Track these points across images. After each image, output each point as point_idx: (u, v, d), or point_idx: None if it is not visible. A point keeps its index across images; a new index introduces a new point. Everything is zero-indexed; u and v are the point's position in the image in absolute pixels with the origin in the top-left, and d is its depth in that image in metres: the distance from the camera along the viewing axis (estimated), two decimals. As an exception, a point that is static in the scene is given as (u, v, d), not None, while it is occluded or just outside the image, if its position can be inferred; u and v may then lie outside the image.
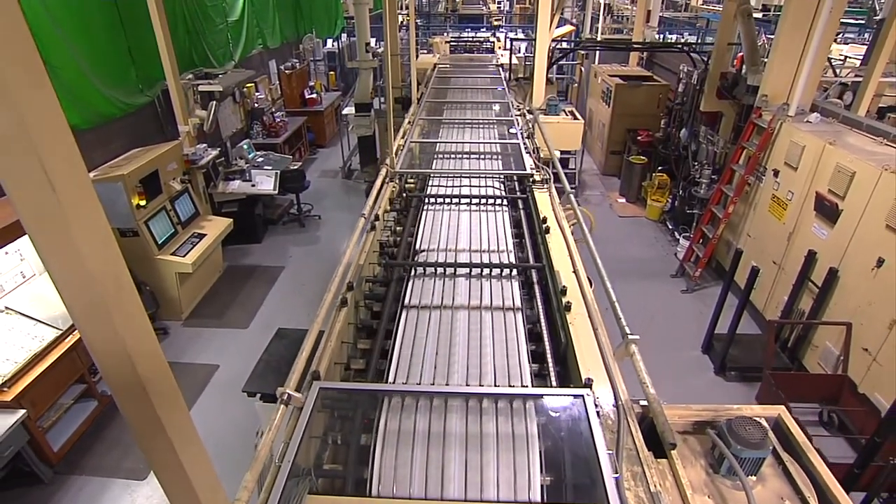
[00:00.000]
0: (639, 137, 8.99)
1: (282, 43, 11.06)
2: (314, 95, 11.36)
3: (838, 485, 1.58)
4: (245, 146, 7.85)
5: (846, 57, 8.78)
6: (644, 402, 1.91)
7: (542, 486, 1.71)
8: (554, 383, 2.18)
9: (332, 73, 13.98)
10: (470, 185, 3.92)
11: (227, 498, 1.31)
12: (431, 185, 3.96)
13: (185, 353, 5.38)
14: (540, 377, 2.26)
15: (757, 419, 1.81)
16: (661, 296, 6.47)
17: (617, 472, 1.60)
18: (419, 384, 2.01)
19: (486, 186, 3.91)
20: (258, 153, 8.14)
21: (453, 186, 3.93)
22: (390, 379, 2.11)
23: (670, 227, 7.89)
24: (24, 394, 3.67)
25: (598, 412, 1.80)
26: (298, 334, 3.36)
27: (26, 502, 3.84)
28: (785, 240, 5.20)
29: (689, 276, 6.52)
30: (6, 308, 4.15)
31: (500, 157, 4.49)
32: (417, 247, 3.09)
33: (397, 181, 4.04)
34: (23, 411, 3.60)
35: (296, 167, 8.24)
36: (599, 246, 6.96)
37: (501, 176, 4.06)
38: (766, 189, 5.61)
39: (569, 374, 2.28)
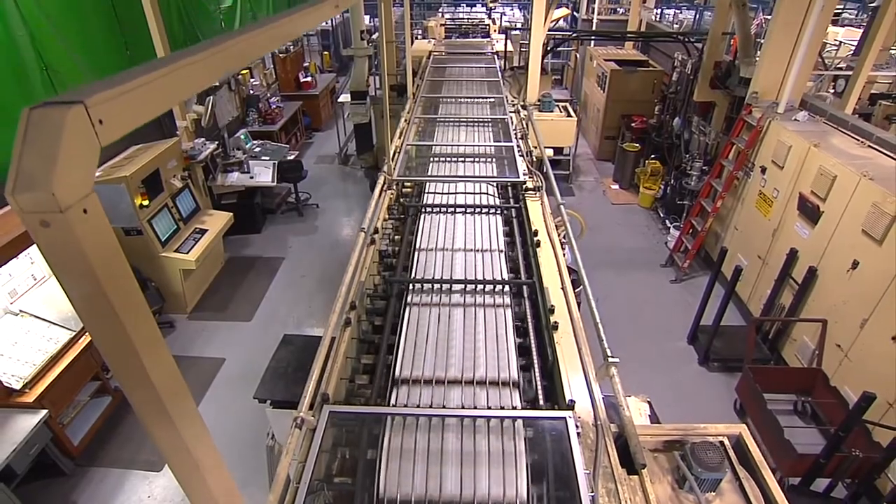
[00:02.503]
0: (633, 124, 9.06)
1: (275, 25, 10.91)
2: (309, 78, 11.30)
3: (786, 500, 1.82)
4: (242, 136, 7.90)
5: (840, 43, 8.79)
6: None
7: (528, 497, 1.94)
8: (541, 397, 2.40)
9: (325, 52, 13.83)
10: (465, 193, 4.06)
11: (237, 487, 1.42)
12: (427, 192, 4.10)
13: (192, 347, 5.60)
14: (528, 391, 2.48)
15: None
16: (650, 286, 6.70)
17: (592, 491, 1.83)
18: (419, 406, 2.22)
19: (480, 194, 4.05)
20: (255, 142, 8.19)
21: (449, 193, 4.07)
22: (395, 377, 2.37)
23: (661, 215, 8.06)
24: (44, 394, 3.89)
25: (578, 433, 2.02)
26: (303, 341, 3.58)
27: (51, 493, 4.11)
28: (770, 236, 5.39)
29: (678, 267, 6.74)
30: (21, 311, 4.33)
31: (494, 160, 4.61)
32: (415, 260, 3.26)
33: (395, 188, 4.17)
34: (44, 411, 3.83)
35: (293, 157, 8.31)
36: (592, 235, 7.26)
37: (496, 184, 4.19)
38: (753, 185, 5.77)
39: (555, 389, 2.49)
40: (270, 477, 3.18)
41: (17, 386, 3.81)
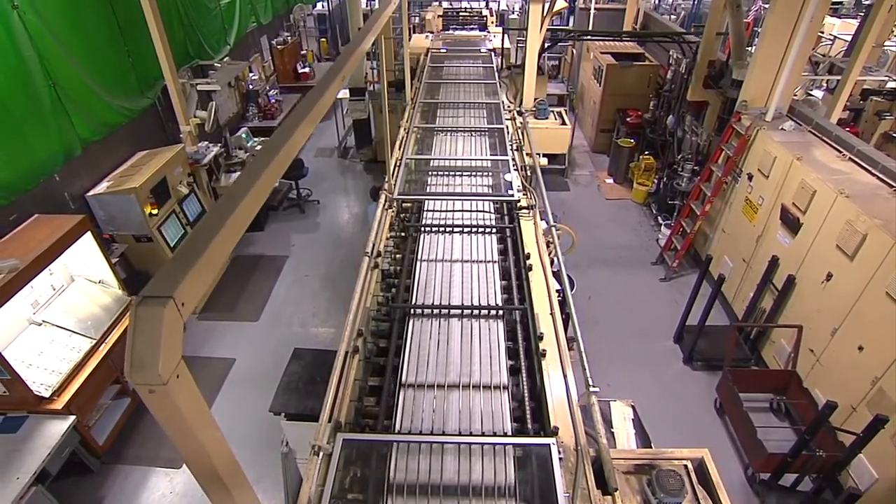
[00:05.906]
0: (628, 119, 9.19)
1: (273, 17, 10.90)
2: (307, 69, 11.33)
3: (737, 519, 2.12)
4: (243, 135, 8.03)
5: (835, 37, 8.85)
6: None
7: (517, 513, 2.24)
8: (529, 419, 2.69)
9: (323, 39, 13.77)
10: (462, 211, 4.29)
11: (250, 485, 1.52)
12: (427, 210, 4.32)
13: (203, 348, 5.88)
14: (519, 411, 2.77)
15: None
16: (640, 283, 6.97)
17: (571, 513, 2.13)
18: (421, 433, 2.50)
19: (477, 212, 4.28)
20: (256, 140, 8.32)
21: (447, 211, 4.29)
22: (399, 393, 2.69)
23: (654, 211, 8.28)
24: (71, 401, 4.18)
25: (560, 458, 2.31)
26: (312, 355, 3.85)
27: (81, 490, 4.45)
28: (754, 241, 5.64)
29: (668, 266, 6.99)
30: (44, 321, 4.59)
31: (490, 174, 4.81)
32: (416, 281, 3.51)
33: (395, 205, 4.38)
34: (73, 417, 4.12)
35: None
36: (586, 231, 7.53)
37: (491, 203, 4.40)
38: (741, 190, 5.98)
39: (542, 411, 2.78)
40: (285, 480, 3.48)
41: (47, 394, 4.10)
